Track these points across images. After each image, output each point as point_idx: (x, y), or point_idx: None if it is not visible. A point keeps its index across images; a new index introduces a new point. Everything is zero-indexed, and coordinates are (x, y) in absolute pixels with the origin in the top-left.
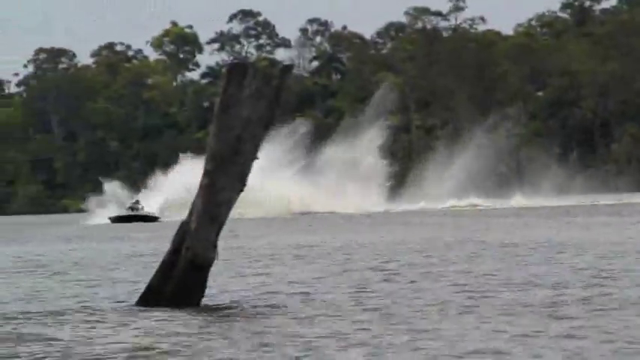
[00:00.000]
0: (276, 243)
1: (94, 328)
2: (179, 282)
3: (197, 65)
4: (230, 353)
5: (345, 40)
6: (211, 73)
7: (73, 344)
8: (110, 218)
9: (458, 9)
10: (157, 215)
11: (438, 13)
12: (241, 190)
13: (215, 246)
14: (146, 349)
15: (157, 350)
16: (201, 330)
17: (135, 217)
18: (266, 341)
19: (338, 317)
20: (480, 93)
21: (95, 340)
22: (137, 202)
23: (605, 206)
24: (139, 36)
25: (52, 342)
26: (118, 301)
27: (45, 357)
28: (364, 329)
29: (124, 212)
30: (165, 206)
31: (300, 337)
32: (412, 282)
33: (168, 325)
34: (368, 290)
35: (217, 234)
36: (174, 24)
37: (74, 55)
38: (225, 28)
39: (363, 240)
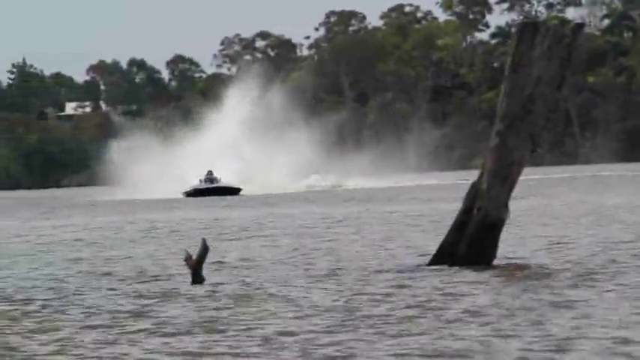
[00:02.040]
0: (565, 203)
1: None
2: (471, 242)
3: (487, 26)
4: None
5: None
6: (501, 33)
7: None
8: (186, 193)
9: None
10: (239, 187)
11: None
12: (533, 151)
13: (506, 205)
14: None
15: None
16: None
17: (214, 190)
18: (563, 300)
19: None
20: None
21: (457, 297)
22: (211, 172)
23: None
24: None
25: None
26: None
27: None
28: None
29: (201, 185)
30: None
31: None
32: None
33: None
34: None
35: (509, 194)
36: None
37: (364, 18)
38: None
39: None
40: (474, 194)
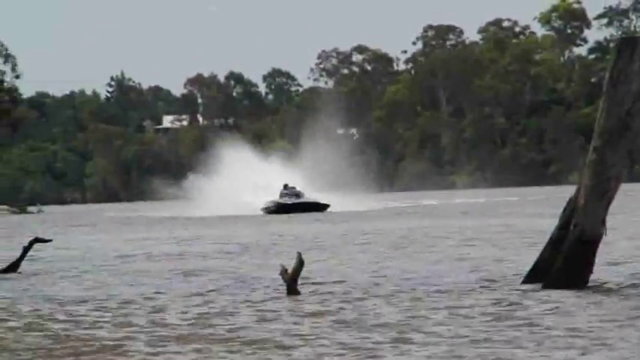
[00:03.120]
0: None
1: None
2: (567, 258)
3: (585, 41)
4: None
5: None
6: (599, 48)
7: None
8: (266, 209)
9: None
10: (326, 202)
11: None
12: (629, 166)
13: (604, 222)
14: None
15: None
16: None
17: (300, 206)
18: None
19: None
20: None
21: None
22: (287, 185)
23: None
24: (526, 12)
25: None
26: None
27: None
28: None
29: (285, 200)
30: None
31: None
32: None
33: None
34: None
35: (606, 210)
36: None
37: (462, 32)
38: (613, 2)
39: None
40: (570, 210)
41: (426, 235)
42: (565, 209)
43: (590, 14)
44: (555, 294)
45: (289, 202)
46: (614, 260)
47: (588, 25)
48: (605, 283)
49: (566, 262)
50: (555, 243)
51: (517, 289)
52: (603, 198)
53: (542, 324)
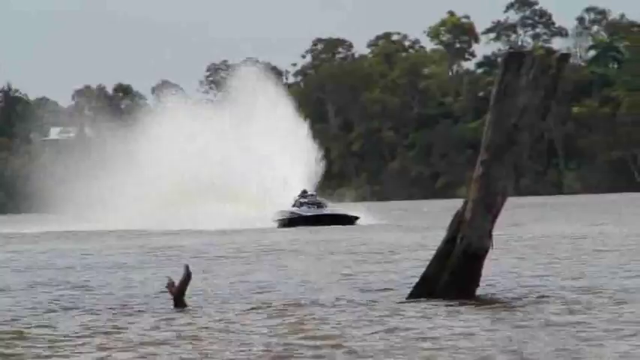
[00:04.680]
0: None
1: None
2: (453, 272)
3: (473, 55)
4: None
5: (622, 29)
6: (487, 62)
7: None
8: (280, 221)
9: None
10: (354, 214)
11: None
12: (516, 180)
13: (490, 235)
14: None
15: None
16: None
17: (324, 219)
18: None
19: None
20: None
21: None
22: (312, 194)
23: None
24: (415, 26)
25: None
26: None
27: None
28: None
29: (304, 211)
30: None
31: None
32: None
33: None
34: None
35: (492, 223)
36: (452, 14)
37: (351, 46)
38: (501, 17)
39: None
40: (457, 223)
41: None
42: (452, 223)
43: (479, 29)
44: (440, 307)
45: (310, 214)
46: (501, 273)
47: (477, 40)
48: (491, 295)
49: (453, 275)
50: (442, 256)
51: (402, 303)
52: (490, 212)
53: (421, 336)
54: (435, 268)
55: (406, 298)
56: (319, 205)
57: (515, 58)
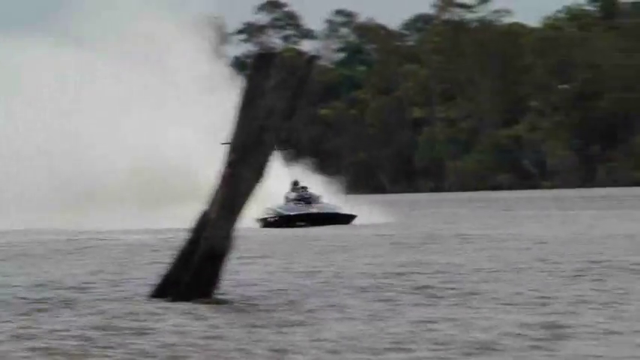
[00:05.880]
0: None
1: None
2: (195, 272)
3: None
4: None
5: (371, 31)
6: (237, 63)
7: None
8: (264, 220)
9: (485, 1)
10: (350, 212)
11: (465, 5)
12: (260, 182)
13: (233, 237)
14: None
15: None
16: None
17: (315, 218)
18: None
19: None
20: (504, 85)
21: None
22: (303, 186)
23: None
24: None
25: None
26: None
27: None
28: None
29: (292, 208)
30: None
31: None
32: None
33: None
34: None
35: (236, 224)
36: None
37: None
38: (252, 19)
39: None
40: (202, 224)
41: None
42: (196, 223)
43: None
44: (179, 307)
45: (295, 213)
46: (247, 274)
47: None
48: (230, 296)
49: (195, 275)
50: (185, 256)
51: (144, 302)
52: (234, 213)
53: (159, 337)
54: (177, 268)
55: (148, 298)
56: (308, 202)
57: (263, 59)
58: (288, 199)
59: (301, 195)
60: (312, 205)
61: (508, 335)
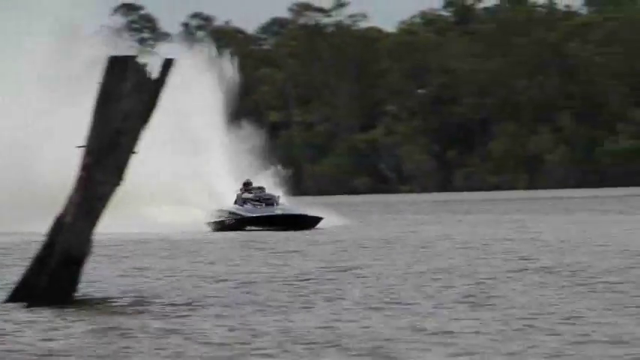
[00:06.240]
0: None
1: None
2: (52, 277)
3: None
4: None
5: (227, 35)
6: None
7: None
8: (217, 224)
9: (341, 5)
10: (316, 215)
11: (321, 10)
12: (118, 185)
13: (90, 240)
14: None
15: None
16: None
17: (277, 220)
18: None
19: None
20: (361, 89)
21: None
22: (260, 187)
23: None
24: None
25: None
26: None
27: None
28: None
29: (250, 211)
30: None
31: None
32: None
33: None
34: None
35: (93, 228)
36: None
37: None
38: (108, 21)
39: None
40: (57, 227)
41: None
42: (52, 227)
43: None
44: (34, 313)
45: (255, 215)
46: (106, 278)
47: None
48: (90, 300)
49: (51, 280)
50: (41, 261)
51: None
52: (91, 216)
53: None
54: (34, 272)
55: (2, 302)
56: (268, 203)
57: (119, 62)
58: (244, 201)
59: (259, 196)
60: (275, 206)
61: None
